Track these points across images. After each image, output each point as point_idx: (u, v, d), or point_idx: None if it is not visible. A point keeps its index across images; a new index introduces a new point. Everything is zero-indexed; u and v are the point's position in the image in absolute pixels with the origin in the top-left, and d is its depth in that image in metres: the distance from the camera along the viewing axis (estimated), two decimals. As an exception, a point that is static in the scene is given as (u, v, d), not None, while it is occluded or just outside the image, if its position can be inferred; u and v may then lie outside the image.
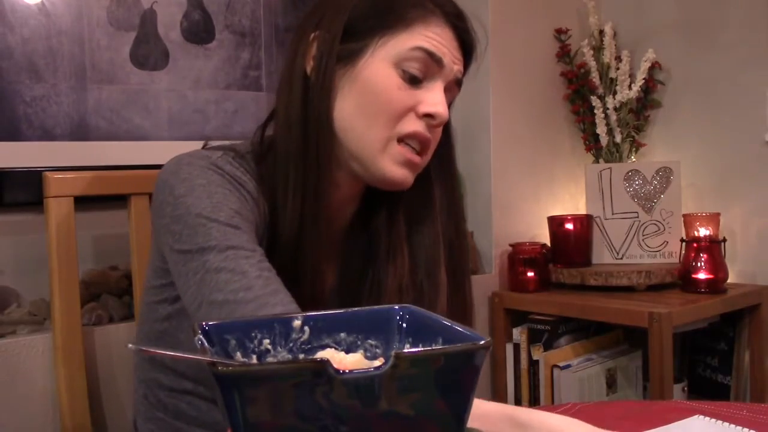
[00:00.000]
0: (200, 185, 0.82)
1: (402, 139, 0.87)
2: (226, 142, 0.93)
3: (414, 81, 0.86)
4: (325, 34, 0.87)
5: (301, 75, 0.87)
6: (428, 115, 0.87)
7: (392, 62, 0.86)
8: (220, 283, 0.75)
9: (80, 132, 1.39)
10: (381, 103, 0.86)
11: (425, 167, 0.92)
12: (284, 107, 0.88)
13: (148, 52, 1.48)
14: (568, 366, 1.73)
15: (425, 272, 0.93)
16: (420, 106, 0.86)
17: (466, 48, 0.92)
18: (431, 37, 0.86)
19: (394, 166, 0.87)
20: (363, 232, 0.98)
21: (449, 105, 0.92)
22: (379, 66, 0.86)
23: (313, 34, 0.88)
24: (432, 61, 0.86)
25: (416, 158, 0.88)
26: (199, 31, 1.55)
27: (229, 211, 0.80)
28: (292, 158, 0.85)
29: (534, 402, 1.78)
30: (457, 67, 0.90)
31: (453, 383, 0.43)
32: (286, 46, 1.57)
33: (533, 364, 1.78)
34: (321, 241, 0.87)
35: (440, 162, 0.95)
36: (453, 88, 0.92)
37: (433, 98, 0.87)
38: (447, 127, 0.95)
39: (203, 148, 0.91)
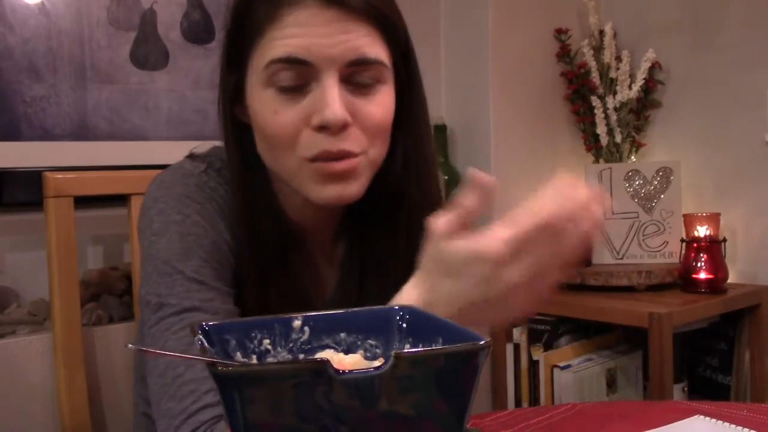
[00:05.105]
0: (174, 223, 0.79)
1: (313, 159, 0.75)
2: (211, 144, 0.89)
3: (294, 90, 0.74)
4: (221, 80, 0.82)
5: (231, 119, 0.83)
6: (321, 128, 0.73)
7: (263, 83, 0.75)
8: (166, 349, 0.73)
9: (80, 132, 1.39)
10: (267, 135, 0.76)
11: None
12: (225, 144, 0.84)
13: (148, 52, 1.48)
14: (568, 366, 1.73)
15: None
16: (311, 118, 0.74)
17: (353, 8, 0.72)
18: (286, 36, 0.72)
19: (318, 187, 0.76)
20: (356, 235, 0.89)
21: (403, 78, 0.80)
22: (255, 94, 0.76)
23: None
24: (295, 66, 0.72)
25: (338, 166, 0.74)
26: (199, 31, 1.55)
27: (198, 261, 0.77)
28: (240, 203, 0.81)
29: (534, 402, 1.78)
30: (347, 45, 0.72)
31: (453, 383, 0.43)
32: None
33: (533, 365, 1.78)
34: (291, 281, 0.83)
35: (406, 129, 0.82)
36: (371, 68, 0.74)
37: (318, 104, 0.73)
38: (414, 91, 0.82)
39: (189, 155, 0.88)
